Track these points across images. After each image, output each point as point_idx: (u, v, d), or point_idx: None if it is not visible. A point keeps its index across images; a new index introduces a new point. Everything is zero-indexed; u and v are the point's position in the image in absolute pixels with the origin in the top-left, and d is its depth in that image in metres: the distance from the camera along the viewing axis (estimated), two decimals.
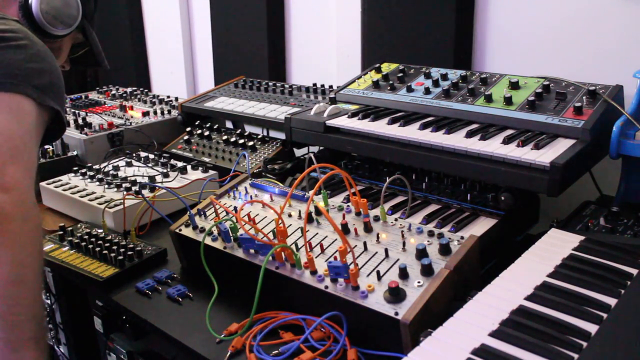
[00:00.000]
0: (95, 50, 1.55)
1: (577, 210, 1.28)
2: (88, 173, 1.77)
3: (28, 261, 0.96)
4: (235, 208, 1.29)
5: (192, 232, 1.31)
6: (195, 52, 2.93)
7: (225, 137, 1.99)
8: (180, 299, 1.24)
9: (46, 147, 1.92)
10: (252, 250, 1.19)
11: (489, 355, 0.76)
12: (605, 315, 0.83)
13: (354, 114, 1.55)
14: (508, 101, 1.41)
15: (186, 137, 2.11)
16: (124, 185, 1.66)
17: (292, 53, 2.43)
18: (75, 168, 1.82)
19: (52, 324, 1.87)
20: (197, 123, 2.17)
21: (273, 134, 2.08)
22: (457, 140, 1.31)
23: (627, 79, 1.34)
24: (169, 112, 2.34)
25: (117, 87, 2.84)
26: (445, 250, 1.04)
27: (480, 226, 1.25)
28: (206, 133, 2.05)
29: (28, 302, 0.96)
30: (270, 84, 2.24)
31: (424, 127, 1.40)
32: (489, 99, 1.45)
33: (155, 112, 2.34)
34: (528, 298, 0.88)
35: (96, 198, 1.62)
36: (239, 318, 1.13)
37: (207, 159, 1.94)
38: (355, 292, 1.01)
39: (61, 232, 1.52)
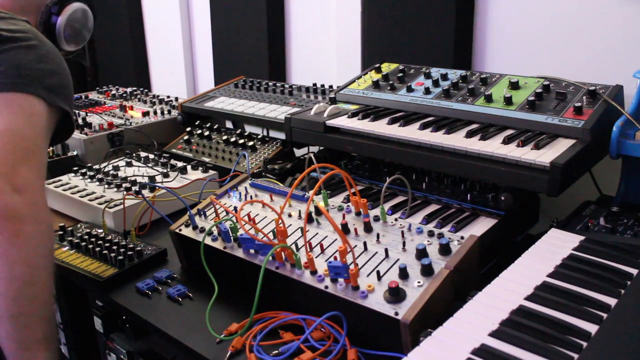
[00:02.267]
0: (82, 55, 1.62)
1: (577, 210, 1.28)
2: (88, 173, 1.77)
3: (40, 262, 0.96)
4: (235, 208, 1.29)
5: (192, 232, 1.31)
6: (195, 52, 2.93)
7: (225, 137, 1.99)
8: (180, 299, 1.24)
9: None
10: (252, 250, 1.19)
11: (489, 355, 0.76)
12: (605, 315, 0.83)
13: (354, 114, 1.55)
14: (508, 101, 1.41)
15: (186, 137, 2.11)
16: (124, 185, 1.66)
17: (292, 53, 2.43)
18: (75, 168, 1.82)
19: None
20: (197, 123, 2.17)
21: (273, 134, 2.08)
22: (457, 140, 1.31)
23: (627, 79, 1.34)
24: (169, 112, 2.34)
25: (117, 87, 2.84)
26: (445, 250, 1.04)
27: (480, 226, 1.25)
28: (206, 133, 2.05)
29: (40, 303, 0.96)
30: (270, 84, 2.24)
31: (424, 127, 1.40)
32: (489, 99, 1.45)
33: (155, 112, 2.34)
34: (528, 298, 0.88)
35: (96, 198, 1.62)
36: (239, 318, 1.13)
37: (207, 159, 1.94)
38: (355, 292, 1.01)
39: (61, 232, 1.52)
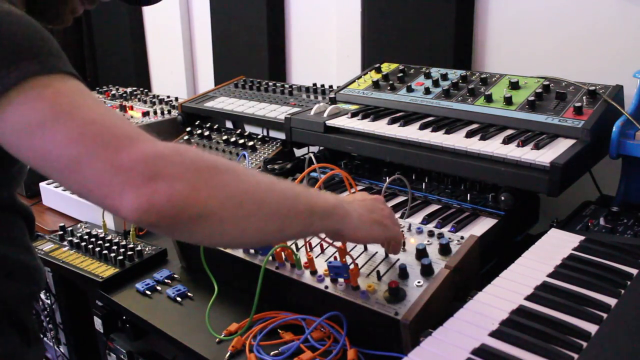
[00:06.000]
0: None
1: (577, 210, 1.28)
2: None
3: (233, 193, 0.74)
4: None
5: None
6: (195, 52, 2.92)
7: (225, 137, 1.99)
8: (180, 299, 1.24)
9: None
10: (252, 250, 1.19)
11: (489, 355, 0.76)
12: (605, 315, 0.83)
13: (354, 114, 1.55)
14: (508, 101, 1.41)
15: (186, 137, 2.11)
16: None
17: (292, 53, 2.43)
18: None
19: (52, 324, 1.87)
20: (197, 123, 2.17)
21: (273, 134, 2.08)
22: (457, 140, 1.31)
23: (627, 79, 1.34)
24: (169, 112, 2.34)
25: (117, 87, 2.84)
26: (445, 250, 1.04)
27: (480, 226, 1.25)
28: (206, 133, 2.04)
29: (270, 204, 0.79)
30: (270, 84, 2.23)
31: (423, 127, 1.40)
32: (489, 99, 1.45)
33: (155, 112, 2.34)
34: (528, 298, 0.88)
35: None
36: (239, 318, 1.13)
37: None
38: (355, 292, 1.01)
39: (61, 232, 1.52)
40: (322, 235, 0.96)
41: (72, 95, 0.73)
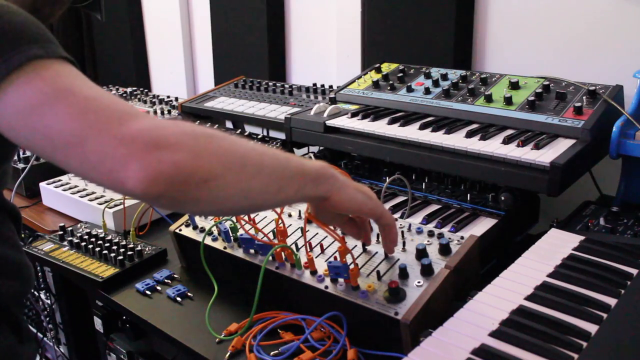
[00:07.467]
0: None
1: (577, 210, 1.28)
2: None
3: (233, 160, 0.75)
4: None
5: (192, 232, 1.31)
6: (195, 52, 2.92)
7: None
8: (180, 299, 1.24)
9: None
10: (252, 250, 1.19)
11: (489, 355, 0.76)
12: (605, 315, 0.83)
13: (354, 114, 1.55)
14: (508, 101, 1.41)
15: None
16: None
17: (292, 53, 2.43)
18: None
19: (52, 324, 1.87)
20: (197, 123, 2.17)
21: (273, 134, 2.08)
22: (457, 140, 1.31)
23: (627, 79, 1.34)
24: (169, 112, 2.34)
25: (117, 87, 2.84)
26: (445, 250, 1.04)
27: (480, 226, 1.25)
28: None
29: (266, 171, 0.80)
30: (270, 84, 2.23)
31: (423, 127, 1.40)
32: (489, 99, 1.45)
33: (155, 112, 2.34)
34: (528, 298, 0.88)
35: (96, 198, 1.63)
36: (239, 318, 1.13)
37: None
38: (355, 292, 1.01)
39: (61, 232, 1.52)
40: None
41: (71, 76, 0.74)
